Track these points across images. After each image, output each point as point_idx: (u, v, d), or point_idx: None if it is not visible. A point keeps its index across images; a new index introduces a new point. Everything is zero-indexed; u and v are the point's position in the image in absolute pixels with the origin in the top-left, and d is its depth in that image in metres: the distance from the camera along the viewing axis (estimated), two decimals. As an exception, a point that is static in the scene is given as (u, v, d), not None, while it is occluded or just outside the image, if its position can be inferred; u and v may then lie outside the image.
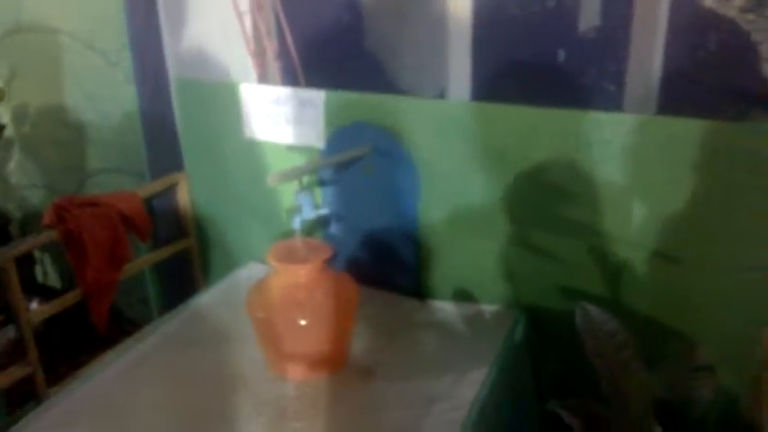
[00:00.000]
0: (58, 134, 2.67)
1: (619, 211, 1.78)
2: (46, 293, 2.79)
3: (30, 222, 2.96)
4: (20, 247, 2.00)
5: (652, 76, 1.65)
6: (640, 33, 1.64)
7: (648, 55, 1.64)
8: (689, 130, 1.63)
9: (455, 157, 1.93)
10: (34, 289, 2.91)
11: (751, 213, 1.63)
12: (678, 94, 1.65)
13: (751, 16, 1.54)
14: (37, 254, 2.99)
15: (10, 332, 2.32)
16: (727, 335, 1.71)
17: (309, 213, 1.91)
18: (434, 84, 1.93)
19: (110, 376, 1.82)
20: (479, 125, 1.86)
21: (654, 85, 1.66)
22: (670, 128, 1.64)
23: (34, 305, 2.65)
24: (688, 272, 1.75)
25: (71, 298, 2.15)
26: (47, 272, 3.01)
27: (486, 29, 1.82)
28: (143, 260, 2.40)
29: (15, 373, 2.04)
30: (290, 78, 2.15)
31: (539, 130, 1.79)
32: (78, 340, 2.67)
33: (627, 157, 1.71)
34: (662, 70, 1.64)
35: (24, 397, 2.19)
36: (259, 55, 2.17)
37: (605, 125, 1.71)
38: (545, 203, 1.86)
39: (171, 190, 2.48)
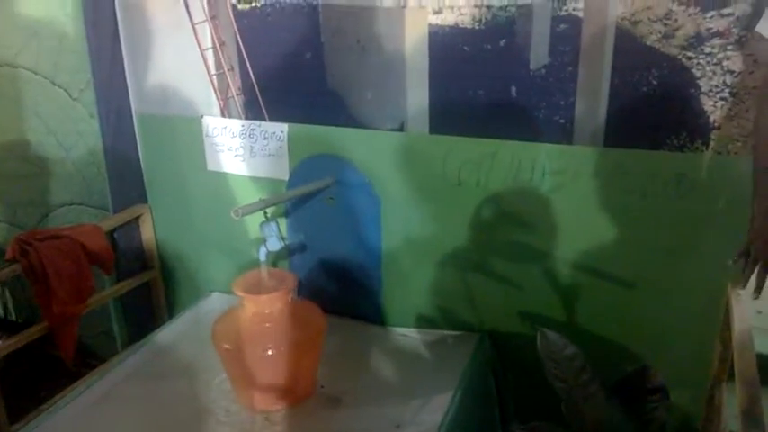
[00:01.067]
0: (19, 169, 2.65)
1: (572, 237, 1.85)
2: (7, 328, 2.75)
3: (-11, 257, 2.92)
4: (-18, 282, 1.99)
5: (599, 110, 1.74)
6: (587, 70, 1.73)
7: (596, 90, 1.73)
8: (635, 161, 1.71)
9: (415, 187, 1.99)
10: (-5, 324, 2.87)
11: (697, 238, 1.72)
12: (624, 127, 1.74)
13: (691, 53, 1.64)
14: (-3, 288, 2.95)
15: (-28, 368, 2.29)
16: (679, 355, 1.79)
17: (274, 244, 1.94)
18: (394, 117, 2.00)
19: (74, 411, 1.81)
20: (438, 156, 1.92)
21: (601, 118, 1.75)
22: (617, 158, 1.73)
23: (-6, 340, 2.61)
24: (640, 295, 1.83)
25: (36, 332, 2.14)
26: (7, 306, 2.97)
27: (442, 65, 1.89)
28: (106, 293, 2.40)
29: (-23, 410, 2.01)
30: (254, 112, 2.20)
31: (494, 161, 1.86)
32: (40, 375, 2.64)
33: (578, 186, 1.79)
34: (608, 105, 1.74)
35: (-14, 435, 2.16)
36: (222, 90, 2.21)
37: (557, 156, 1.79)
38: (502, 231, 1.93)
39: (134, 223, 2.49)
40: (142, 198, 2.50)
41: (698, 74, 1.65)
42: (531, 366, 1.98)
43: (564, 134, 1.79)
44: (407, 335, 2.13)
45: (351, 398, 1.83)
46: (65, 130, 2.48)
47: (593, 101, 1.74)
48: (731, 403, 1.49)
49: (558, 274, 1.90)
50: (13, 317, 2.97)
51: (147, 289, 2.58)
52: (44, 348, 2.32)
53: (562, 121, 1.79)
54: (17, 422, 2.11)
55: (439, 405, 1.75)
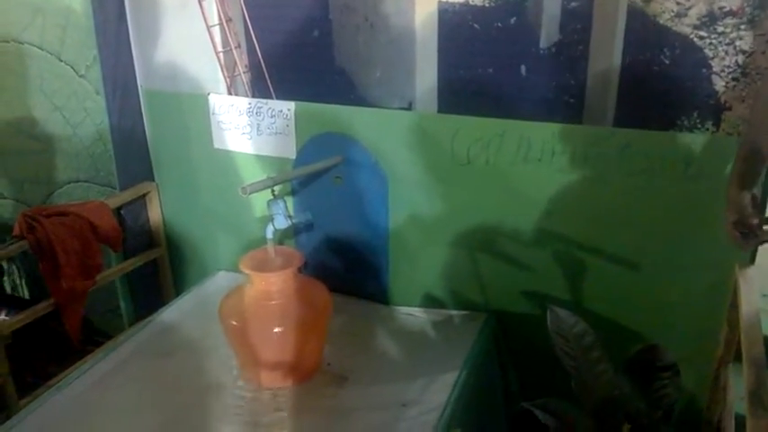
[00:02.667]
0: (25, 145, 2.65)
1: (580, 217, 1.84)
2: (15, 304, 2.77)
3: (-4, 234, 2.93)
4: (-10, 258, 2.00)
5: (609, 90, 1.73)
6: (598, 49, 1.71)
7: (606, 69, 1.72)
8: (645, 141, 1.70)
9: (423, 166, 1.98)
10: (3, 300, 2.88)
11: (705, 219, 1.71)
12: (634, 107, 1.73)
13: (703, 32, 1.62)
14: (5, 265, 2.96)
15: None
16: (685, 335, 1.79)
17: (281, 222, 1.94)
18: (402, 96, 1.99)
19: (82, 386, 1.83)
20: (446, 135, 1.91)
21: (611, 97, 1.74)
22: (627, 138, 1.71)
23: (3, 316, 2.63)
24: (647, 276, 1.83)
25: (43, 308, 2.15)
26: (15, 283, 2.99)
27: (451, 43, 1.88)
28: (113, 270, 2.41)
29: (-15, 385, 2.03)
30: (261, 90, 2.19)
31: (503, 140, 1.85)
32: (47, 351, 2.66)
33: (587, 166, 1.78)
34: (619, 84, 1.72)
35: (-6, 410, 2.19)
36: (229, 67, 2.19)
37: (566, 136, 1.77)
38: (510, 210, 1.92)
39: (141, 200, 2.49)
40: (149, 175, 2.50)
41: (710, 53, 1.63)
42: (537, 346, 1.98)
43: (574, 113, 1.78)
44: (413, 314, 2.13)
45: (357, 376, 1.83)
46: (71, 106, 2.48)
47: (603, 80, 1.73)
48: (737, 385, 1.50)
49: (565, 254, 1.90)
50: (21, 293, 2.99)
51: (154, 267, 2.59)
52: (52, 325, 2.33)
53: (572, 100, 1.78)
54: (25, 397, 2.13)
55: (444, 384, 1.76)
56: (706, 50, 1.63)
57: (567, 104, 1.79)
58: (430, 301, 2.14)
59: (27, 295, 2.98)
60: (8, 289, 3.01)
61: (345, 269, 2.22)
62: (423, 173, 1.99)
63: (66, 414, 1.72)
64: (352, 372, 1.85)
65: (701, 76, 1.65)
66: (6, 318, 2.51)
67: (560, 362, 1.60)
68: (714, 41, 1.62)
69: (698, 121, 1.68)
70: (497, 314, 2.05)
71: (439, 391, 1.73)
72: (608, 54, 1.71)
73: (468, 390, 1.78)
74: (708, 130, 1.68)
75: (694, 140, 1.66)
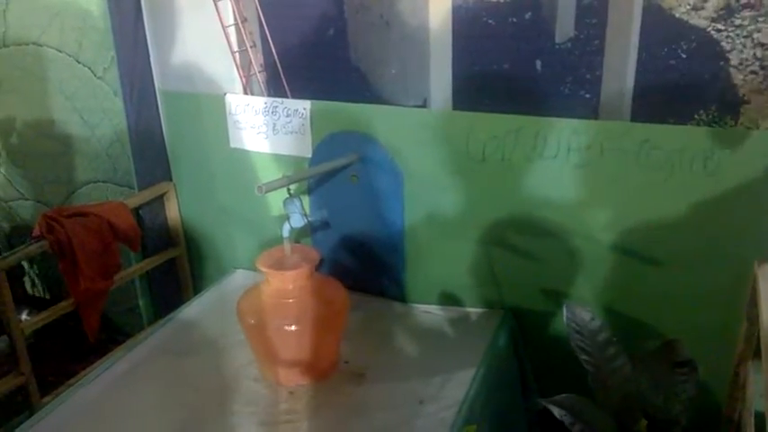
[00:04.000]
0: (45, 147, 2.68)
1: (597, 213, 1.83)
2: (35, 304, 2.80)
3: (17, 235, 2.97)
4: (11, 258, 2.02)
5: (626, 84, 1.72)
6: (614, 43, 1.70)
7: (622, 64, 1.70)
8: (663, 136, 1.69)
9: (438, 163, 1.98)
10: (24, 300, 2.92)
11: (724, 215, 1.69)
12: (651, 101, 1.71)
13: (720, 25, 1.60)
14: (25, 265, 3.00)
15: (2, 343, 2.33)
16: (704, 332, 1.77)
17: (298, 221, 1.95)
18: (417, 93, 1.99)
19: (102, 385, 1.84)
20: (461, 132, 1.91)
21: (628, 92, 1.72)
22: (644, 133, 1.70)
23: (24, 316, 2.66)
24: (665, 272, 1.81)
25: (63, 308, 2.17)
26: (35, 283, 3.03)
27: (466, 40, 1.87)
28: (132, 269, 2.43)
29: (8, 383, 2.06)
30: (276, 89, 2.19)
31: (519, 137, 1.84)
32: (68, 350, 2.69)
33: (604, 162, 1.77)
34: (635, 78, 1.71)
35: (16, 407, 2.21)
36: (244, 67, 2.21)
37: (582, 131, 1.76)
38: (526, 207, 1.92)
39: (159, 200, 2.51)
40: (167, 175, 2.52)
41: (727, 47, 1.61)
42: (554, 343, 1.99)
43: (590, 109, 1.77)
44: (430, 312, 2.13)
45: (374, 373, 1.84)
46: (90, 108, 2.50)
47: (620, 74, 1.71)
48: (757, 382, 1.48)
49: (582, 250, 1.89)
50: (42, 293, 3.03)
51: (173, 266, 2.61)
52: (73, 324, 2.36)
53: (588, 95, 1.77)
54: (47, 396, 2.15)
55: (462, 381, 1.76)
56: (723, 43, 1.61)
57: (583, 99, 1.77)
58: (447, 299, 2.14)
59: (47, 295, 3.02)
60: (28, 289, 3.05)
61: (362, 267, 2.22)
62: (438, 170, 1.99)
63: (87, 412, 1.74)
64: (369, 369, 1.86)
65: (718, 70, 1.63)
66: (27, 318, 2.55)
67: (577, 358, 1.59)
68: (732, 34, 1.60)
69: (716, 115, 1.66)
70: (514, 311, 2.05)
71: (456, 387, 1.73)
72: (624, 48, 1.69)
73: (486, 386, 1.78)
74: (726, 124, 1.66)
75: (713, 135, 1.65)
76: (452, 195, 2.00)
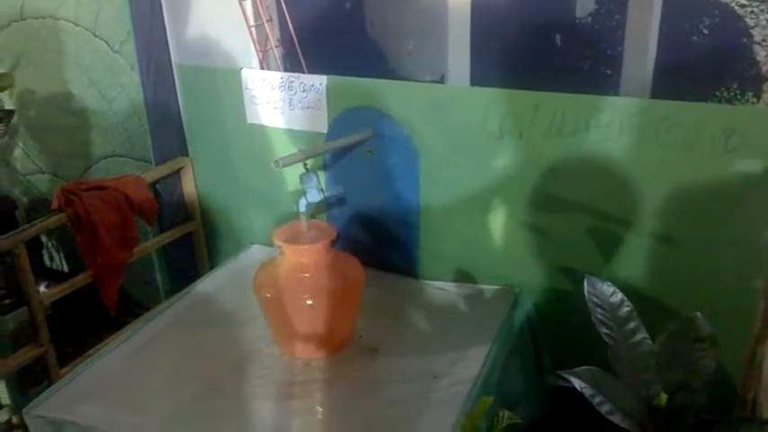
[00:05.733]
0: (62, 120, 2.69)
1: (615, 191, 1.82)
2: (53, 277, 2.83)
3: (35, 208, 2.99)
4: (30, 230, 2.04)
5: (647, 61, 1.70)
6: (636, 18, 1.68)
7: (644, 40, 1.68)
8: (683, 113, 1.66)
9: (454, 140, 1.97)
10: (42, 272, 2.95)
11: (744, 194, 1.67)
12: (672, 78, 1.69)
13: (744, 1, 1.58)
14: (43, 238, 3.03)
15: (22, 314, 2.36)
16: (721, 311, 1.76)
17: (314, 196, 1.95)
18: (434, 69, 1.97)
19: (120, 355, 1.87)
20: (478, 109, 1.90)
21: (649, 69, 1.70)
22: (665, 110, 1.68)
23: (42, 288, 2.69)
24: (683, 251, 1.80)
25: (81, 280, 2.20)
26: (53, 256, 3.05)
27: (484, 15, 1.85)
28: (149, 243, 2.45)
29: (28, 353, 2.09)
30: (293, 64, 2.19)
31: (537, 113, 1.83)
32: (86, 323, 2.72)
33: (623, 139, 1.75)
34: (657, 54, 1.69)
35: (36, 377, 2.24)
36: (261, 41, 2.20)
37: (602, 108, 1.75)
38: (543, 184, 1.91)
39: (175, 175, 2.52)
40: (183, 150, 2.53)
41: (751, 23, 1.59)
42: (571, 322, 1.98)
43: (610, 85, 1.76)
44: (445, 288, 2.14)
45: (389, 348, 1.85)
46: (106, 82, 2.51)
47: (640, 50, 1.69)
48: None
49: (599, 228, 1.88)
50: (60, 266, 3.05)
51: (189, 240, 2.63)
52: (90, 297, 2.38)
53: (608, 71, 1.75)
54: (65, 366, 2.18)
55: (476, 357, 1.76)
56: (747, 19, 1.59)
57: (603, 75, 1.76)
58: (461, 276, 2.14)
59: (64, 268, 3.04)
60: (46, 262, 3.08)
61: (376, 243, 2.22)
62: (454, 146, 1.98)
63: (105, 382, 1.76)
64: (384, 344, 1.87)
65: (741, 46, 1.61)
66: (46, 290, 2.57)
67: (595, 332, 1.58)
68: (756, 10, 1.57)
69: (738, 92, 1.64)
70: (530, 289, 2.05)
71: (470, 363, 1.74)
72: (646, 24, 1.67)
73: (500, 363, 1.79)
74: (748, 101, 1.64)
75: (734, 112, 1.63)
76: (468, 172, 1.99)
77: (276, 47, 2.19)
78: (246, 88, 2.26)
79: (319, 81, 2.11)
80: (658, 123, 1.69)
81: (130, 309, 2.70)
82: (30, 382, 2.25)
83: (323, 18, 2.09)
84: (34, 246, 2.94)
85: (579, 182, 1.85)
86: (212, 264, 2.66)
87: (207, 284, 2.23)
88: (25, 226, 2.06)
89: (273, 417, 1.65)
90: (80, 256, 2.22)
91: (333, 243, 1.83)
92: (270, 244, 1.83)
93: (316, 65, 2.15)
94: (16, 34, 2.66)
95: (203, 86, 2.38)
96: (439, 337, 1.90)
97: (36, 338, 2.11)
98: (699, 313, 1.58)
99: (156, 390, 1.74)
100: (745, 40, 1.61)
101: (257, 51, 2.21)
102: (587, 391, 1.49)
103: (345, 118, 2.11)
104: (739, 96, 1.65)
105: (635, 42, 1.70)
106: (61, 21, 2.51)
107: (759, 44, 1.60)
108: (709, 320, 1.61)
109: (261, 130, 2.30)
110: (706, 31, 1.63)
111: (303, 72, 2.16)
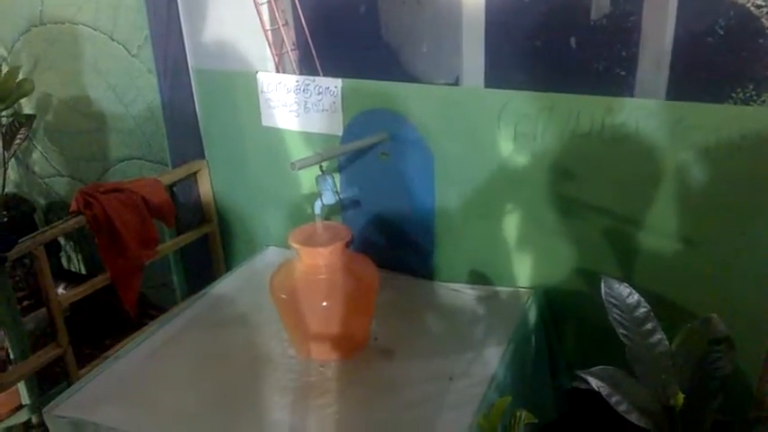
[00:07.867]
0: (80, 124, 2.72)
1: (630, 193, 1.82)
2: (71, 279, 2.86)
3: (54, 210, 3.03)
4: (49, 233, 2.06)
5: (662, 62, 1.69)
6: (651, 20, 1.67)
7: (659, 41, 1.68)
8: (699, 115, 1.66)
9: (469, 142, 1.97)
10: (60, 275, 2.98)
11: (761, 196, 1.66)
12: (688, 79, 1.69)
13: (760, 1, 1.57)
14: (62, 241, 3.06)
15: (40, 316, 2.39)
16: (738, 312, 1.75)
17: (330, 198, 1.96)
18: (449, 71, 1.98)
19: (137, 357, 1.89)
20: (493, 111, 1.90)
21: (664, 70, 1.70)
22: (680, 112, 1.67)
23: (60, 290, 2.72)
24: (700, 253, 1.79)
25: (100, 282, 2.22)
26: (71, 258, 3.09)
27: (499, 17, 1.86)
28: (166, 245, 2.47)
29: (47, 354, 2.11)
30: (308, 67, 2.20)
31: (552, 115, 1.83)
32: (104, 324, 2.74)
33: (638, 141, 1.75)
34: (672, 56, 1.68)
35: (55, 378, 2.27)
36: (277, 45, 2.21)
37: (617, 110, 1.74)
38: (558, 186, 1.91)
39: (192, 177, 2.54)
40: (200, 153, 2.55)
41: (767, 23, 1.58)
42: (586, 324, 1.98)
43: (625, 87, 1.75)
44: (460, 290, 2.14)
45: (404, 350, 1.85)
46: (124, 85, 2.53)
47: (656, 52, 1.69)
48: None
49: (615, 230, 1.87)
50: (78, 268, 3.09)
51: (206, 242, 2.65)
52: (108, 299, 2.41)
53: (623, 73, 1.75)
54: (83, 367, 2.21)
55: (491, 358, 1.77)
56: (763, 20, 1.58)
57: (618, 77, 1.75)
58: (476, 278, 2.15)
59: (82, 270, 3.07)
60: (64, 264, 3.11)
61: (391, 245, 2.23)
62: (469, 148, 1.98)
63: (123, 383, 1.78)
64: (399, 346, 1.87)
65: (757, 47, 1.60)
66: (64, 292, 2.60)
67: (609, 334, 1.58)
68: (772, 11, 1.57)
69: (754, 93, 1.64)
70: (544, 290, 2.05)
71: (486, 365, 1.74)
72: (661, 25, 1.67)
73: (515, 364, 1.79)
74: (764, 102, 1.63)
75: (750, 114, 1.62)
76: (483, 174, 1.99)
77: (292, 50, 2.21)
78: (262, 91, 2.28)
79: (334, 84, 2.12)
80: (674, 125, 1.69)
81: (147, 311, 2.72)
82: (49, 383, 2.28)
83: (338, 21, 2.11)
84: (52, 248, 2.98)
85: (594, 183, 1.85)
86: (228, 266, 2.68)
87: (223, 286, 2.24)
88: (44, 228, 2.09)
89: (290, 418, 1.66)
90: (98, 258, 2.24)
91: (348, 245, 1.84)
92: (286, 246, 1.84)
93: (331, 68, 2.16)
94: (35, 39, 2.70)
95: (220, 90, 2.40)
96: (454, 338, 1.90)
97: (55, 339, 2.13)
98: (715, 315, 1.57)
99: (174, 391, 1.75)
100: (761, 40, 1.60)
101: (273, 55, 2.23)
102: (604, 390, 1.49)
103: (360, 121, 2.12)
104: (755, 97, 1.64)
105: (650, 44, 1.70)
106: (80, 25, 2.54)
107: (775, 45, 1.59)
108: (725, 322, 1.61)
109: (276, 133, 2.32)
110: (721, 32, 1.62)
111: (318, 75, 2.17)
